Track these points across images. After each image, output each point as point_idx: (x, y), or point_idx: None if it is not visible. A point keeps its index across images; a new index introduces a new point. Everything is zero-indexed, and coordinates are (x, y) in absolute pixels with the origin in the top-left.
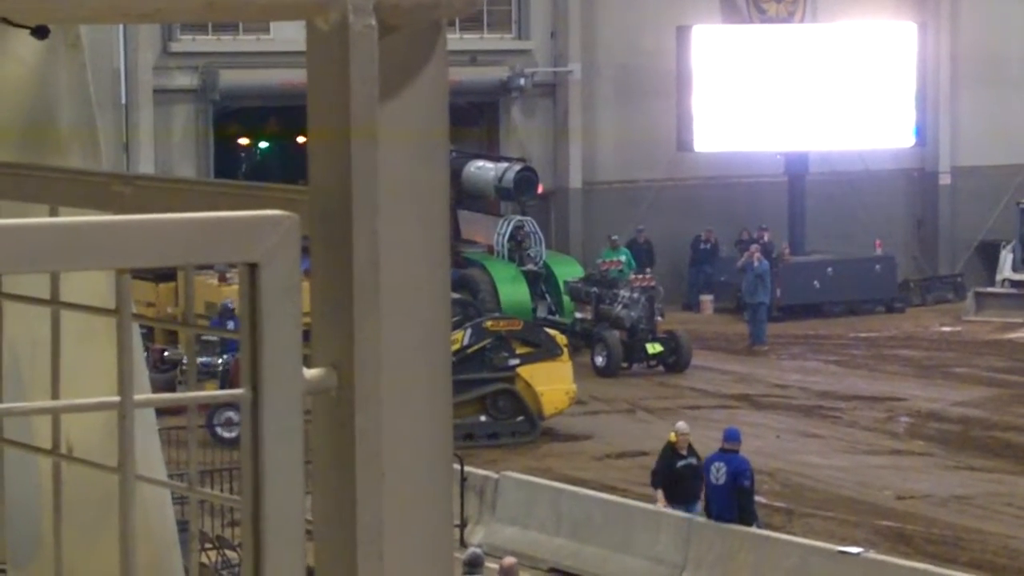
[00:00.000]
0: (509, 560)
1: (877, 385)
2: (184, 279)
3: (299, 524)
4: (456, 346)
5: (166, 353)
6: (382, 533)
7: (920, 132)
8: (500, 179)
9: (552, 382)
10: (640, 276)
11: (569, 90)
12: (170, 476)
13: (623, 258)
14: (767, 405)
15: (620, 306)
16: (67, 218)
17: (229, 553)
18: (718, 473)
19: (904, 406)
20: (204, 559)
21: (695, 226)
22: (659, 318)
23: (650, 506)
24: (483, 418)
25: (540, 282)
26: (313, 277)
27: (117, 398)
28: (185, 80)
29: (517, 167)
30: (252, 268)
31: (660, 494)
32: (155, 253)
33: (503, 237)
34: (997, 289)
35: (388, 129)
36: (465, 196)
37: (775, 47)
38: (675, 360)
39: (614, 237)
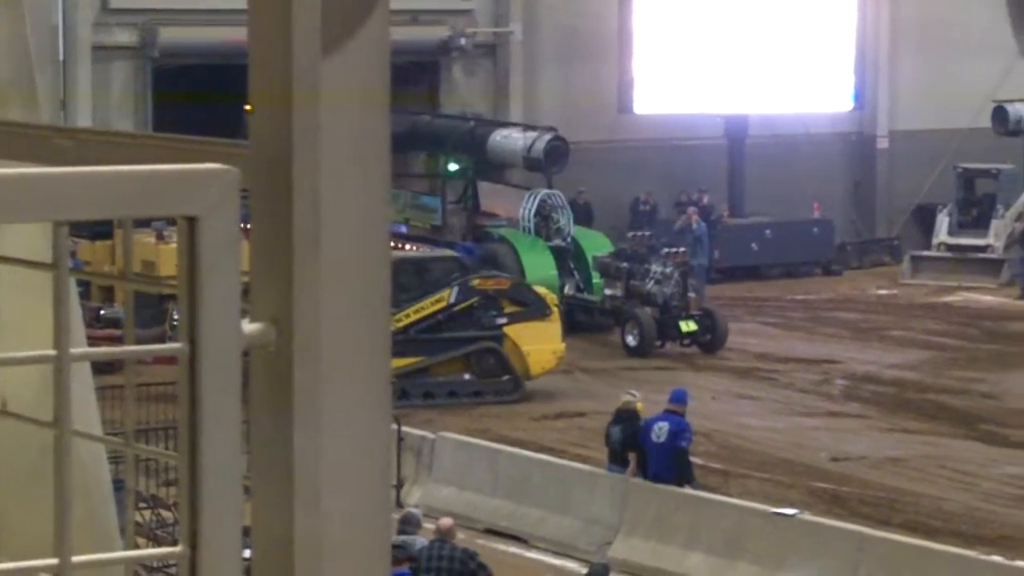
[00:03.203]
0: (446, 521)
1: (814, 347)
2: (122, 234)
3: (236, 480)
4: (443, 304)
5: (102, 311)
6: (320, 489)
7: (859, 96)
8: (529, 149)
9: (540, 342)
10: (673, 251)
11: (510, 50)
12: (106, 434)
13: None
14: (704, 367)
15: (652, 282)
16: (2, 170)
17: (164, 513)
18: (660, 432)
19: (840, 368)
20: (138, 518)
21: (635, 188)
22: (692, 295)
23: (585, 467)
24: (467, 376)
25: (568, 258)
26: (253, 232)
27: (53, 351)
28: (124, 37)
29: (548, 136)
30: (191, 222)
31: (633, 461)
32: (94, 205)
33: (529, 211)
34: (933, 253)
35: (330, 85)
36: (489, 167)
37: (716, 10)
38: (710, 339)
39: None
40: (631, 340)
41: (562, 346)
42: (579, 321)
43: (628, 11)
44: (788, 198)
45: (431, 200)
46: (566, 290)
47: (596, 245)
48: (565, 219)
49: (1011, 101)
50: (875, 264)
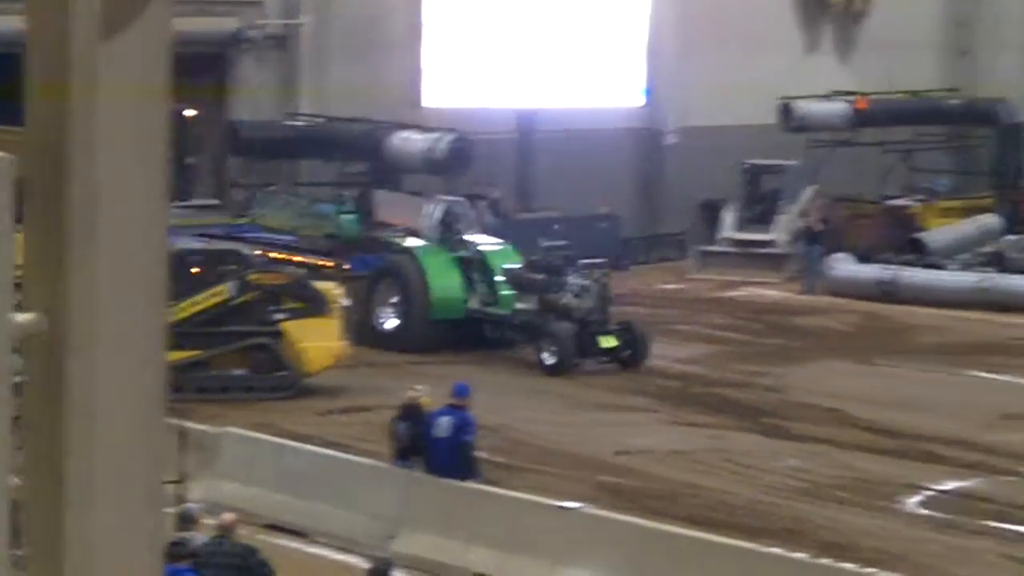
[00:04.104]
0: (228, 516)
1: None
2: None
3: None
4: (221, 298)
5: None
6: (92, 483)
7: (650, 91)
8: (430, 150)
9: (318, 339)
10: (591, 262)
11: (300, 42)
12: None
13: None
14: (492, 361)
15: (569, 295)
16: None
17: None
18: (443, 427)
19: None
20: None
21: (426, 181)
22: (612, 308)
23: (369, 461)
24: (241, 371)
25: (473, 269)
26: (27, 221)
27: None
28: None
29: (450, 137)
30: None
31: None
32: None
33: (433, 220)
34: (719, 248)
35: (108, 73)
36: (388, 171)
37: (508, 4)
38: (631, 354)
39: (344, 193)
40: (548, 357)
41: (341, 343)
42: (487, 337)
43: (418, 4)
44: (578, 193)
45: (326, 207)
46: (471, 303)
47: (503, 256)
48: (470, 229)
49: (797, 98)
50: (662, 259)
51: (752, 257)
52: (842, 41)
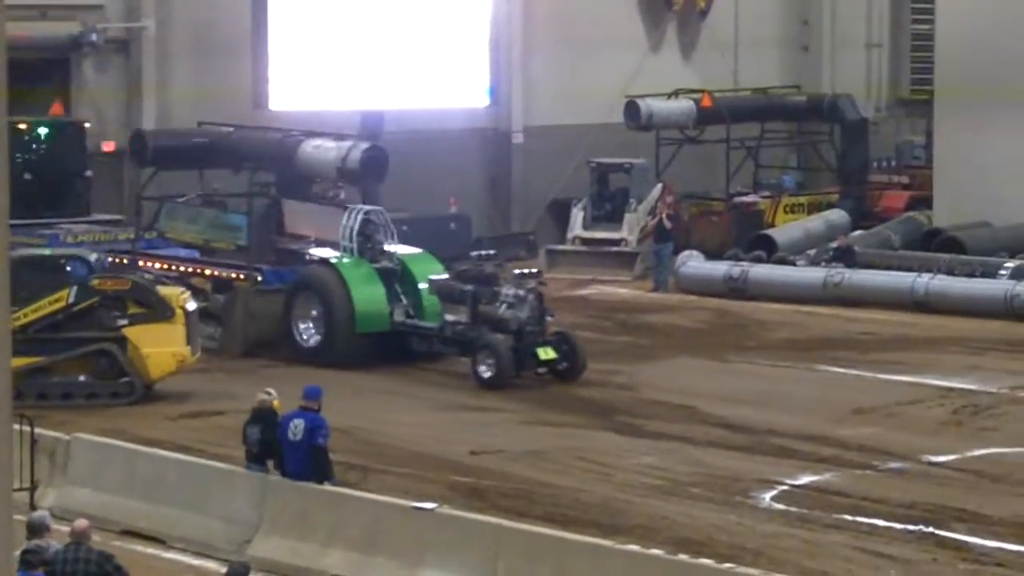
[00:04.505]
0: (81, 523)
1: None
2: None
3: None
4: (62, 303)
5: None
6: None
7: (494, 92)
8: (344, 159)
9: (161, 344)
10: (527, 272)
11: (143, 46)
12: None
13: None
14: (350, 364)
15: (504, 306)
16: None
17: None
18: (295, 431)
19: None
20: None
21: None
22: (549, 318)
23: (223, 465)
24: (82, 377)
25: (395, 281)
26: None
27: None
28: None
29: (364, 145)
30: None
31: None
32: None
33: (351, 230)
34: (568, 247)
35: None
36: (299, 181)
37: (352, 6)
38: (568, 366)
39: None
40: (485, 371)
41: (185, 349)
42: (414, 350)
43: (263, 6)
44: (427, 194)
45: (237, 218)
46: (395, 316)
47: (425, 265)
48: (390, 238)
49: (642, 96)
50: (511, 258)
51: (601, 256)
52: (686, 39)
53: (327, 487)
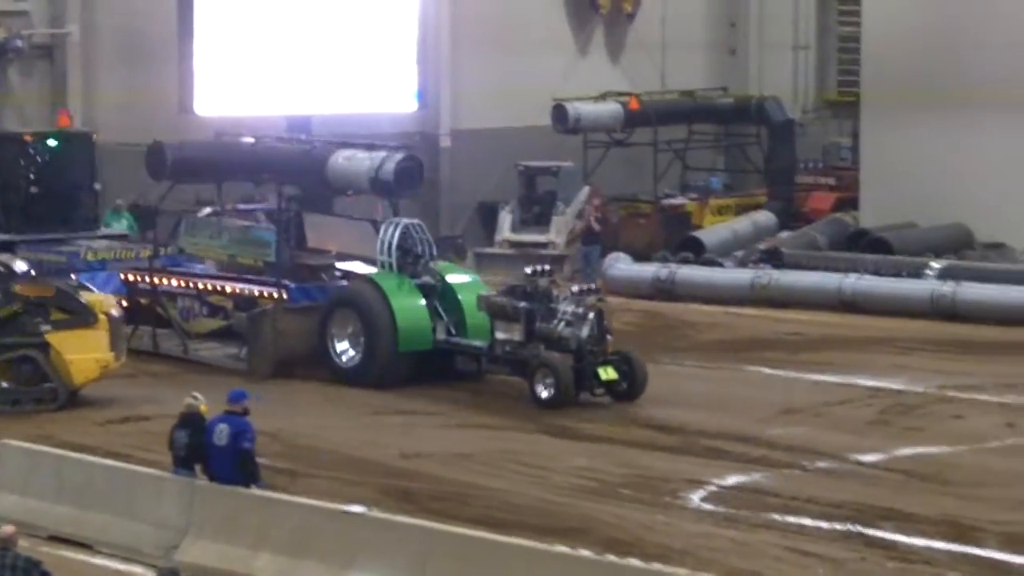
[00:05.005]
0: (7, 529)
1: None
2: None
3: None
4: None
5: None
6: None
7: (422, 95)
8: (377, 170)
9: (83, 351)
10: (585, 289)
11: (68, 52)
12: None
13: (125, 223)
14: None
15: (562, 324)
16: None
17: None
18: (221, 435)
19: None
20: None
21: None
22: (609, 337)
23: (151, 470)
24: (5, 384)
25: (435, 298)
26: None
27: None
28: None
29: (399, 156)
30: None
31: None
32: None
33: (390, 244)
34: (496, 250)
35: None
36: (325, 194)
37: (279, 11)
38: (627, 387)
39: (119, 201)
40: (543, 391)
41: (109, 355)
42: (459, 370)
43: (189, 11)
44: (355, 197)
45: (265, 234)
46: (437, 334)
47: (467, 281)
48: (429, 253)
49: (570, 99)
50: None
51: (530, 258)
52: (614, 42)
53: (255, 491)
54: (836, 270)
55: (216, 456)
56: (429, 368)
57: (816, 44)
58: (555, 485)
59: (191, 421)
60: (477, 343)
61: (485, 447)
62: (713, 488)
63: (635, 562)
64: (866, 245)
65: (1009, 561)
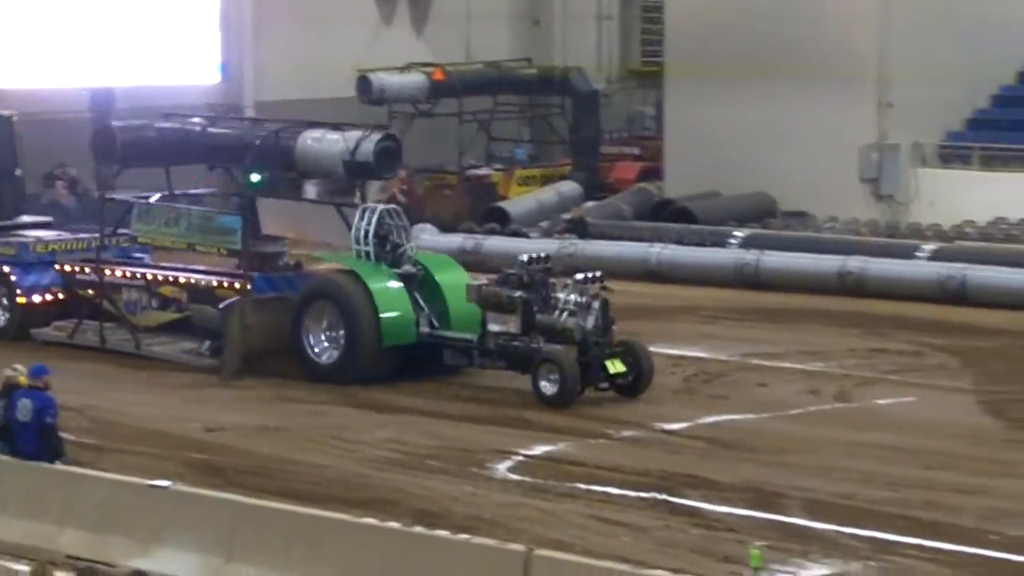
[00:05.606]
0: None
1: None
2: None
3: None
4: None
5: None
6: None
7: (225, 68)
8: (353, 152)
9: None
10: (589, 275)
11: None
12: None
13: None
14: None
15: (564, 314)
16: None
17: None
18: (24, 410)
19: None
20: None
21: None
22: (614, 327)
23: None
24: None
25: (414, 288)
26: None
27: None
28: None
29: (376, 136)
30: None
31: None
32: None
33: (366, 232)
34: None
35: None
36: (299, 178)
37: None
38: (635, 380)
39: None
40: (547, 387)
41: None
42: (447, 364)
43: None
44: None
45: (229, 220)
46: (419, 327)
47: (448, 270)
48: (408, 240)
49: (374, 70)
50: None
51: None
52: (418, 13)
53: (59, 466)
54: (641, 240)
55: (20, 432)
56: (415, 364)
57: (620, 14)
58: (363, 457)
59: (10, 392)
60: (466, 336)
61: (293, 421)
62: (520, 458)
63: (443, 533)
64: (671, 215)
65: (811, 527)
